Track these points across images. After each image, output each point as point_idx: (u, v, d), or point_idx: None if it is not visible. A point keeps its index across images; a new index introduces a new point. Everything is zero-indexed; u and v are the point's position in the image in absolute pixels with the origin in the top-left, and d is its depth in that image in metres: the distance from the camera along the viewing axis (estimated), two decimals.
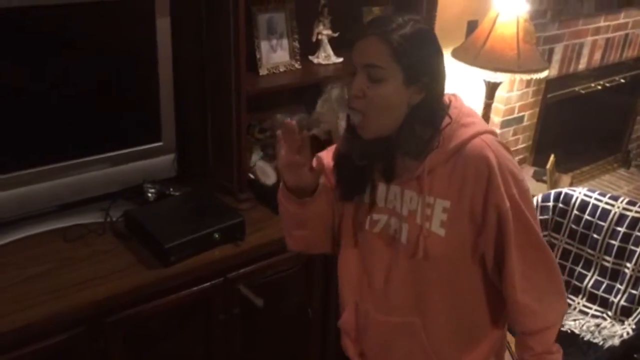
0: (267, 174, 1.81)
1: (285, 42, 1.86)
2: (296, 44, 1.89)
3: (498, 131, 2.89)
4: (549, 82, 2.95)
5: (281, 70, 1.86)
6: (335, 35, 1.95)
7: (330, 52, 1.96)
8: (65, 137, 1.56)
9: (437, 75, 1.11)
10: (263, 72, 1.81)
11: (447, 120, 1.12)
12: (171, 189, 1.75)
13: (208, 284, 1.54)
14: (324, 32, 1.94)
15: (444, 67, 1.13)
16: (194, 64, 1.75)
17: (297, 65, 1.90)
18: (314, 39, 1.95)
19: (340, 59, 1.97)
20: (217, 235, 1.54)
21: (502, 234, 1.12)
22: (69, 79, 1.53)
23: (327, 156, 1.25)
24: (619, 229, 1.99)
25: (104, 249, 1.53)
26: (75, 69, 1.53)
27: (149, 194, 1.71)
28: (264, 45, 1.81)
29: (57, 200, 1.60)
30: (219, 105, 1.76)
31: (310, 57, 1.96)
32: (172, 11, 1.61)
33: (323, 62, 1.96)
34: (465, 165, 1.11)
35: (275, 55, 1.83)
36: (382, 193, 1.19)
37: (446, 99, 1.16)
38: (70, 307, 1.33)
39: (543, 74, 2.33)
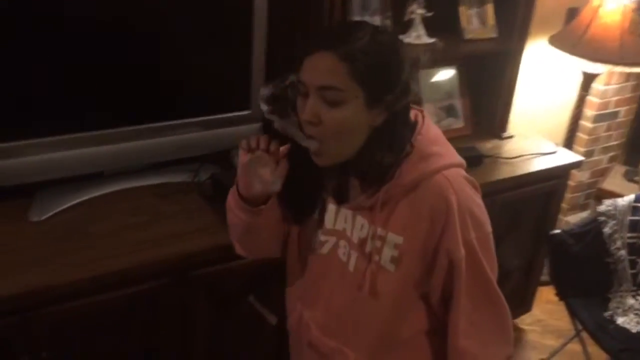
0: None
1: (377, 19, 1.85)
2: (388, 21, 1.88)
3: (590, 126, 2.76)
4: None
5: None
6: (430, 14, 1.92)
7: (423, 31, 1.93)
8: (162, 99, 1.64)
9: (402, 92, 0.99)
10: None
11: (407, 149, 1.01)
12: None
13: None
14: (417, 11, 1.91)
15: (409, 80, 1.01)
16: (285, 37, 1.78)
17: None
18: (406, 18, 1.93)
19: (433, 40, 1.94)
20: None
21: (452, 279, 1.03)
22: (169, 46, 1.60)
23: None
24: None
25: (191, 207, 1.61)
26: (179, 36, 1.60)
27: (235, 159, 1.77)
28: None
29: (152, 158, 1.69)
30: None
31: (401, 36, 1.95)
32: None
33: (413, 42, 1.94)
34: (422, 202, 1.01)
35: None
36: (332, 214, 1.11)
37: (412, 115, 1.06)
38: (159, 258, 1.41)
39: None
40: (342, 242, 1.10)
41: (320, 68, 0.95)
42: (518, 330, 1.55)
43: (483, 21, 2.03)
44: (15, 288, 1.26)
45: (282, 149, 1.05)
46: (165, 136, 1.66)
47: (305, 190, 1.12)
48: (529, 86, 2.45)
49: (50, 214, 1.51)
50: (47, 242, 1.41)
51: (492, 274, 1.06)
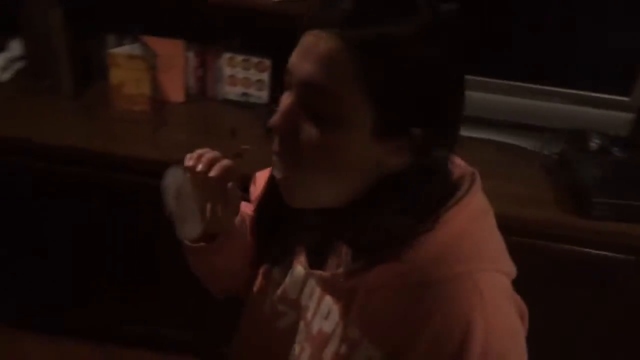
0: None
1: None
2: None
3: None
4: None
5: None
6: None
7: None
8: (545, 64, 1.65)
9: (443, 129, 0.62)
10: None
11: (429, 223, 0.62)
12: (616, 149, 1.68)
13: (619, 255, 1.48)
14: None
15: (460, 112, 0.62)
16: None
17: None
18: None
19: None
20: None
21: None
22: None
23: (260, 178, 0.86)
24: None
25: (529, 175, 1.61)
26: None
27: (592, 143, 1.68)
28: None
29: (512, 116, 1.72)
30: None
31: None
32: None
33: None
34: (428, 312, 0.61)
35: None
36: (298, 279, 0.76)
37: (455, 172, 0.67)
38: None
39: None
40: (302, 324, 0.76)
41: (315, 53, 0.58)
42: None
43: None
44: None
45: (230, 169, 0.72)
46: (532, 99, 1.67)
47: (275, 226, 0.78)
48: None
49: None
50: None
51: None
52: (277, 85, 1.09)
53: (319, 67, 0.57)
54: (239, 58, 1.77)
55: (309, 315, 0.74)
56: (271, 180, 0.74)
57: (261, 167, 0.87)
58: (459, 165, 0.70)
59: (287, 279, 0.77)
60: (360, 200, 0.64)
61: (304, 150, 0.61)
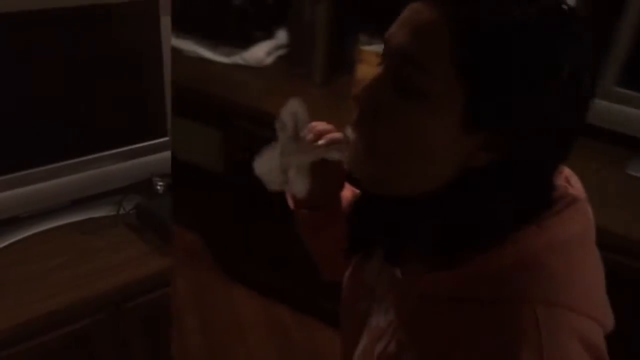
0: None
1: None
2: None
3: None
4: None
5: None
6: None
7: None
8: (76, 135, 1.62)
9: (550, 127, 0.54)
10: None
11: (507, 239, 0.56)
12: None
13: None
14: None
15: (583, 114, 0.56)
16: None
17: None
18: None
19: None
20: None
21: None
22: (79, 80, 1.59)
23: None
24: None
25: (119, 240, 1.59)
26: (90, 70, 1.60)
27: (158, 187, 1.77)
28: None
29: (71, 195, 1.65)
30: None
31: None
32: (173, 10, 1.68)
33: None
34: (476, 334, 0.56)
35: None
36: (374, 269, 0.75)
37: (561, 193, 0.59)
38: (90, 294, 1.39)
39: None
40: (375, 312, 0.73)
41: (413, 23, 0.54)
42: None
43: None
44: None
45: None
46: (81, 172, 1.64)
47: (363, 219, 0.72)
48: None
49: None
50: None
51: None
52: None
53: (415, 37, 0.54)
54: None
55: (376, 306, 0.72)
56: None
57: None
58: (571, 186, 0.61)
59: (368, 265, 0.75)
60: (438, 194, 0.58)
61: (384, 126, 0.56)
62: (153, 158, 1.76)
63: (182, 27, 2.33)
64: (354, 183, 0.75)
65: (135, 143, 1.72)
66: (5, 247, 1.52)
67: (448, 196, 0.58)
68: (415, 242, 0.65)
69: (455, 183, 0.57)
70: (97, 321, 1.41)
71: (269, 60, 2.30)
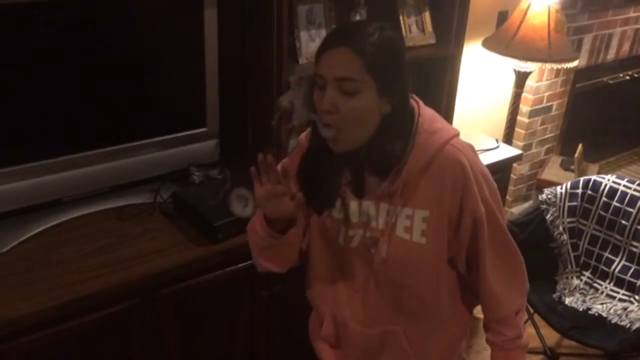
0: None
1: (323, 32, 1.92)
2: None
3: (526, 121, 2.93)
4: (578, 73, 2.98)
5: None
6: None
7: None
8: (119, 122, 1.66)
9: (405, 82, 1.10)
10: (302, 60, 1.88)
11: (413, 131, 1.11)
12: (215, 172, 1.84)
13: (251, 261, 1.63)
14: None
15: (409, 72, 1.13)
16: (237, 53, 1.83)
17: None
18: None
19: None
20: None
21: (476, 236, 1.16)
22: (123, 71, 1.62)
23: (291, 164, 1.21)
24: None
25: (155, 227, 1.63)
26: (134, 61, 1.63)
27: (194, 177, 1.80)
28: (304, 35, 1.88)
29: (111, 181, 1.69)
30: (260, 93, 1.84)
31: None
32: (219, 3, 1.69)
33: None
34: (441, 173, 1.12)
35: (314, 44, 1.90)
36: (355, 208, 1.18)
37: (412, 102, 1.15)
38: (126, 280, 1.42)
39: (573, 64, 2.37)
40: (369, 233, 1.18)
41: (338, 61, 1.03)
42: (476, 320, 1.65)
43: (422, 29, 2.14)
44: None
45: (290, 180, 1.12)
46: (123, 158, 1.68)
47: (323, 182, 1.16)
48: (468, 87, 2.58)
49: (13, 244, 1.49)
50: (11, 273, 1.40)
51: (504, 221, 1.20)
52: None
53: (343, 67, 1.03)
54: None
55: (373, 222, 1.17)
56: (314, 139, 1.14)
57: None
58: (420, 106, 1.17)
59: (350, 211, 1.18)
60: (372, 137, 1.09)
61: (343, 115, 1.05)
62: (191, 148, 1.80)
63: None
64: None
65: (174, 132, 1.75)
66: (47, 229, 1.57)
67: (377, 135, 1.09)
68: (370, 170, 1.14)
69: (377, 128, 1.08)
70: (132, 306, 1.45)
71: None
